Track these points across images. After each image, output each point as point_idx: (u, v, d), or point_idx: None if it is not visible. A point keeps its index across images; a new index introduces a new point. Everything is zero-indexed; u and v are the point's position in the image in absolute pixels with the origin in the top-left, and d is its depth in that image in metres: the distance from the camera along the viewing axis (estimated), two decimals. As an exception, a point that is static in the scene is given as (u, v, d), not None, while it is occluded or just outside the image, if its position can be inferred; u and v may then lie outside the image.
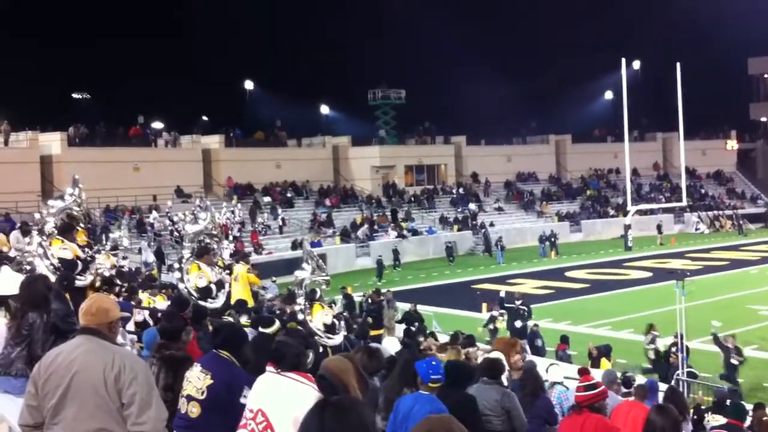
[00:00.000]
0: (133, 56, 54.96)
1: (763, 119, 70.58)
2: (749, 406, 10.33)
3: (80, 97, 55.40)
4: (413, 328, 19.34)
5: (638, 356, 20.02)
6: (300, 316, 11.03)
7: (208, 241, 11.46)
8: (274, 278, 27.25)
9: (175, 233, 35.52)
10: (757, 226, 56.92)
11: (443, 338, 16.34)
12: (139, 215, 38.63)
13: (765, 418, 9.31)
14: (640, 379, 11.96)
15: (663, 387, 12.00)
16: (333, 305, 11.84)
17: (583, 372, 6.31)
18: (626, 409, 8.09)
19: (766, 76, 70.41)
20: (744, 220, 56.46)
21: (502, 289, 24.83)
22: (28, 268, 9.10)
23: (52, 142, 39.55)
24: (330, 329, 10.56)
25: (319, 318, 10.60)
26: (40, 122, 40.72)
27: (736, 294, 29.73)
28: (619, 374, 11.88)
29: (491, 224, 48.37)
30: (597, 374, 11.43)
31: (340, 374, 4.73)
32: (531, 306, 22.36)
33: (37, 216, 10.69)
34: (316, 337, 10.26)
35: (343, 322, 11.24)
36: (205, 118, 50.85)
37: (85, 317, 4.60)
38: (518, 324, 21.16)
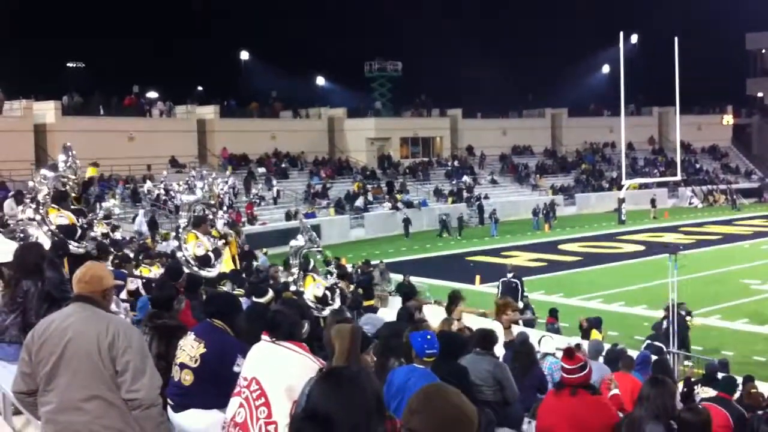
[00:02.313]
0: (128, 25, 54.62)
1: (760, 94, 70.55)
2: (739, 379, 10.42)
3: (75, 66, 55.09)
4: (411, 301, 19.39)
5: (630, 329, 20.16)
6: (293, 287, 11.06)
7: (206, 211, 11.47)
8: (265, 250, 27.25)
9: (169, 203, 35.52)
10: (751, 201, 57.14)
11: (436, 309, 16.35)
12: (134, 185, 38.53)
13: (753, 391, 9.39)
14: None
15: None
16: (330, 275, 11.86)
17: (570, 354, 6.25)
18: (616, 379, 8.13)
19: (763, 51, 70.30)
20: (738, 194, 56.63)
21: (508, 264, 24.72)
22: (22, 236, 9.10)
23: (47, 111, 39.35)
24: (321, 301, 10.57)
25: (310, 290, 10.62)
26: (35, 91, 40.53)
27: (729, 268, 29.87)
28: (607, 346, 11.99)
29: (486, 197, 48.40)
30: (585, 345, 11.54)
31: (333, 338, 4.77)
32: (523, 278, 22.40)
33: (30, 184, 10.67)
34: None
35: (335, 294, 11.25)
36: (200, 88, 50.65)
37: (78, 285, 4.60)
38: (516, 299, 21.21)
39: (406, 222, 42.51)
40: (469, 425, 2.75)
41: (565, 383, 6.16)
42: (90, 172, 10.63)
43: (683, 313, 17.86)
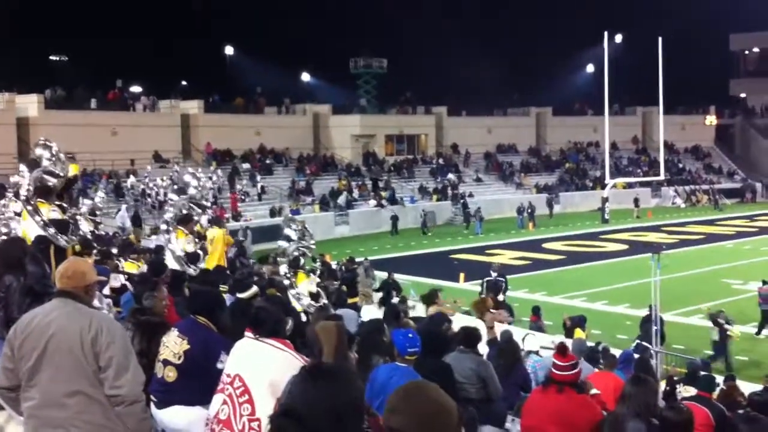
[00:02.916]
0: (111, 19, 54.29)
1: (743, 95, 71.00)
2: (720, 378, 10.50)
3: (58, 59, 54.76)
4: (394, 298, 19.42)
5: (612, 328, 20.25)
6: (286, 282, 11.05)
7: (195, 209, 11.44)
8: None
9: (152, 198, 35.37)
10: (733, 201, 57.54)
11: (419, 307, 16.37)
12: (117, 180, 38.36)
13: (730, 387, 9.50)
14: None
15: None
16: (313, 273, 11.87)
17: (563, 351, 6.25)
18: (596, 379, 8.18)
19: (747, 52, 70.74)
20: (720, 195, 57.00)
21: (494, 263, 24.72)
22: (4, 230, 9.03)
23: (29, 104, 39.11)
24: (315, 297, 10.62)
25: (304, 286, 10.65)
26: (17, 84, 40.23)
27: (711, 268, 30.05)
28: (591, 344, 12.04)
29: (470, 195, 48.47)
30: (568, 344, 11.57)
31: (320, 335, 4.77)
32: (507, 277, 22.46)
33: (13, 179, 10.60)
34: (305, 305, 10.32)
35: (322, 291, 11.29)
36: (184, 83, 50.45)
37: (61, 280, 4.58)
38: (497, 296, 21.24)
39: (394, 219, 42.55)
40: (450, 420, 2.75)
41: (554, 380, 6.14)
42: (73, 170, 10.54)
43: (722, 321, 17.92)
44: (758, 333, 20.28)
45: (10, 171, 24.68)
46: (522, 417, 6.46)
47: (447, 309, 14.25)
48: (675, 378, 10.47)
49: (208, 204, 11.94)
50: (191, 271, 10.05)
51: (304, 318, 9.75)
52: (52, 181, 9.08)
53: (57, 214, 8.85)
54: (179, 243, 10.23)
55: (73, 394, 4.31)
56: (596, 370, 9.57)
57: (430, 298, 12.45)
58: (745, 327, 19.95)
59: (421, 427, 2.69)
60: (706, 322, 19.99)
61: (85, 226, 10.85)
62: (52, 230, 8.49)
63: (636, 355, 11.42)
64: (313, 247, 11.59)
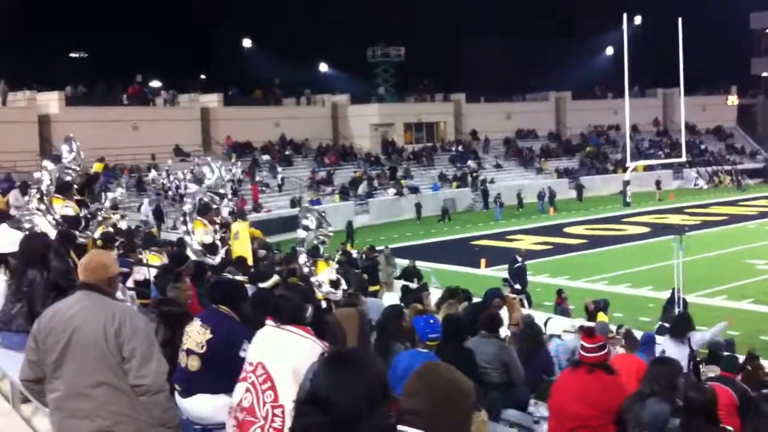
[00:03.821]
0: (130, 15, 54.52)
1: (764, 74, 70.11)
2: (742, 358, 10.44)
3: (77, 56, 55.09)
4: (412, 285, 19.41)
5: (635, 310, 20.18)
6: (305, 269, 11.09)
7: (211, 199, 11.49)
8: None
9: (172, 192, 35.57)
10: (756, 182, 56.95)
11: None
12: (138, 174, 38.61)
13: (754, 368, 9.45)
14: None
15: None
16: (331, 260, 11.91)
17: (591, 333, 6.29)
18: (618, 361, 8.17)
19: (767, 30, 69.82)
20: (743, 175, 56.46)
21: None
22: (28, 226, 9.13)
23: (50, 101, 39.43)
24: (335, 285, 10.66)
25: (325, 274, 10.69)
26: (38, 82, 40.57)
27: (734, 249, 29.84)
28: (613, 327, 12.01)
29: (491, 181, 48.36)
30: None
31: (342, 322, 4.79)
32: (528, 262, 22.42)
33: (36, 175, 10.71)
34: (325, 292, 10.37)
35: (342, 279, 11.33)
36: (203, 76, 50.60)
37: (84, 273, 4.62)
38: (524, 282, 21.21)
39: (418, 206, 42.64)
40: (465, 399, 2.78)
41: (583, 362, 6.20)
42: (96, 168, 10.65)
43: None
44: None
45: (33, 168, 24.88)
46: (550, 396, 6.50)
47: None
48: (698, 359, 10.44)
49: (226, 193, 11.98)
50: (210, 261, 10.11)
51: (324, 306, 9.80)
52: (69, 176, 9.17)
53: (70, 210, 8.94)
54: (197, 234, 10.29)
55: (98, 385, 4.35)
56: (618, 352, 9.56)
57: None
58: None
59: (437, 407, 2.72)
60: (729, 302, 19.91)
61: (111, 221, 10.97)
62: (61, 229, 8.56)
63: (657, 337, 11.38)
64: (332, 235, 11.64)
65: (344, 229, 34.59)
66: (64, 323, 4.42)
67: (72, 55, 54.24)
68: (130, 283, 9.04)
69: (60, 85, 40.66)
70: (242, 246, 14.58)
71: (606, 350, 6.17)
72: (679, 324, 10.16)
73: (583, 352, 6.21)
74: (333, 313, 5.61)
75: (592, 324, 12.39)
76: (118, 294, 5.43)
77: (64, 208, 8.97)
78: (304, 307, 5.01)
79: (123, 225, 14.69)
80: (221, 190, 12.02)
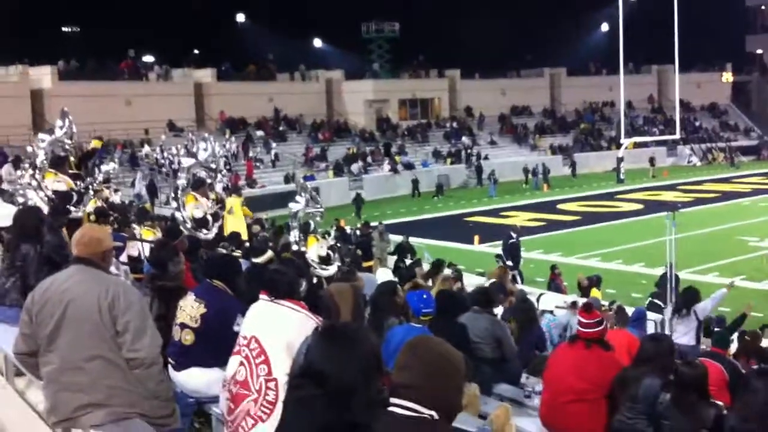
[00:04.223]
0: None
1: (759, 51, 70.05)
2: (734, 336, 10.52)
3: (70, 30, 54.70)
4: (405, 260, 19.48)
5: (627, 286, 20.27)
6: (294, 248, 11.10)
7: (204, 174, 11.47)
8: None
9: (166, 167, 35.45)
10: (749, 159, 57.10)
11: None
12: (131, 149, 38.48)
13: (753, 337, 9.60)
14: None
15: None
16: (327, 236, 11.92)
17: (588, 308, 6.34)
18: (610, 336, 8.22)
19: (763, 7, 69.67)
20: (736, 152, 56.58)
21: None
22: (21, 200, 9.11)
23: (43, 76, 39.23)
24: (325, 261, 10.66)
25: (314, 250, 10.68)
26: (30, 56, 40.33)
27: (727, 226, 29.93)
28: (605, 303, 12.08)
29: (486, 157, 48.36)
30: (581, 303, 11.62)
31: (335, 296, 4.81)
32: (522, 238, 22.48)
33: (29, 149, 10.67)
34: (311, 269, 10.36)
35: (336, 254, 11.33)
36: (196, 51, 50.32)
37: (77, 247, 4.62)
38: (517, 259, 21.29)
39: (415, 183, 42.80)
40: (456, 372, 2.81)
41: (580, 337, 6.27)
42: (94, 144, 10.62)
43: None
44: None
45: (25, 142, 24.81)
46: (545, 369, 6.56)
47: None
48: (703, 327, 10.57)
49: (218, 167, 11.93)
50: (202, 235, 10.10)
51: (315, 281, 9.82)
52: (63, 151, 9.15)
53: (63, 185, 8.91)
54: (187, 209, 10.28)
55: (92, 358, 4.36)
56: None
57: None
58: (762, 284, 19.90)
59: (429, 380, 2.75)
60: (721, 279, 19.99)
61: (102, 195, 10.94)
62: (52, 204, 8.54)
63: (650, 314, 11.45)
64: (322, 210, 11.63)
65: (339, 205, 34.62)
66: (58, 297, 4.42)
67: (65, 29, 53.80)
68: (123, 257, 9.04)
69: (53, 60, 40.43)
70: (236, 221, 14.57)
71: (603, 326, 6.23)
72: (684, 301, 10.24)
73: (580, 328, 6.27)
74: (327, 288, 5.64)
75: (585, 300, 12.47)
76: (112, 268, 5.44)
77: (56, 183, 8.94)
78: (298, 282, 5.02)
79: (116, 199, 14.67)
80: (213, 165, 11.97)
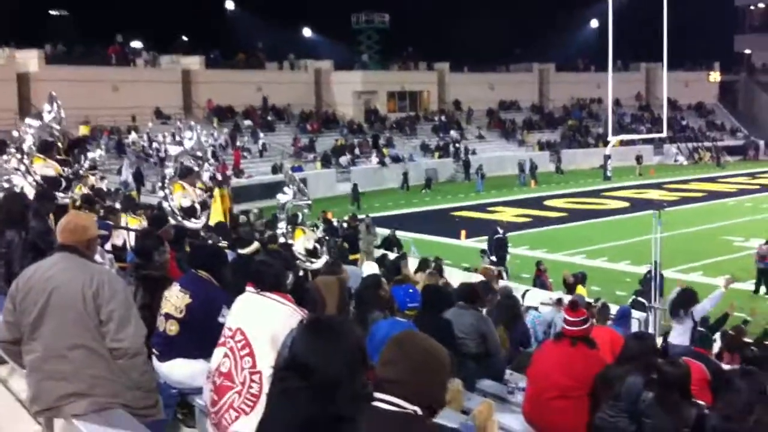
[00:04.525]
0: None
1: (747, 52, 70.32)
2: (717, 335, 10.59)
3: (58, 14, 54.27)
4: (391, 254, 19.48)
5: (612, 284, 20.35)
6: (282, 240, 11.08)
7: (191, 162, 11.41)
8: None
9: (154, 156, 35.31)
10: (736, 159, 57.39)
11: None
12: (118, 136, 38.27)
13: (737, 333, 9.69)
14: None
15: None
16: (315, 228, 11.90)
17: (575, 306, 6.38)
18: (594, 333, 8.25)
19: (752, 7, 69.91)
20: (723, 152, 56.84)
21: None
22: (6, 186, 9.04)
23: (30, 59, 38.93)
24: (311, 254, 10.63)
25: (300, 243, 10.66)
26: (17, 39, 40.01)
27: (712, 225, 30.07)
28: (590, 300, 12.12)
29: (473, 152, 48.39)
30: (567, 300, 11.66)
31: (322, 289, 4.81)
32: (509, 234, 22.51)
33: (15, 134, 10.59)
34: (298, 261, 10.34)
35: (324, 247, 11.31)
36: (184, 38, 50.03)
37: (62, 234, 4.59)
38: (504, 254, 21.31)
39: (405, 176, 42.95)
40: (441, 367, 2.81)
41: (565, 335, 6.30)
42: (83, 130, 10.54)
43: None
44: (756, 291, 20.38)
45: (11, 126, 24.62)
46: (530, 365, 6.59)
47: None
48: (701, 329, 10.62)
49: (205, 156, 11.87)
50: (190, 224, 10.06)
51: (301, 273, 9.79)
52: (51, 136, 9.07)
53: (51, 171, 8.84)
54: (175, 198, 10.23)
55: (76, 347, 4.34)
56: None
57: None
58: (746, 284, 20.01)
59: (414, 375, 2.75)
60: (705, 278, 20.11)
61: (89, 182, 10.87)
62: (40, 189, 8.47)
63: (635, 312, 11.51)
64: (309, 202, 11.61)
65: (326, 197, 34.60)
66: (43, 284, 4.40)
67: (53, 12, 53.37)
68: (108, 246, 8.98)
69: (40, 43, 40.13)
70: (217, 210, 14.47)
71: (588, 324, 6.26)
72: (681, 302, 10.28)
73: (566, 326, 6.30)
74: (313, 281, 5.63)
75: (571, 296, 12.51)
76: (97, 257, 5.40)
77: (45, 168, 8.86)
78: (285, 274, 5.01)
79: (102, 187, 14.56)
80: (199, 154, 11.91)
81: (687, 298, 10.29)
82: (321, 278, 5.92)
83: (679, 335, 10.01)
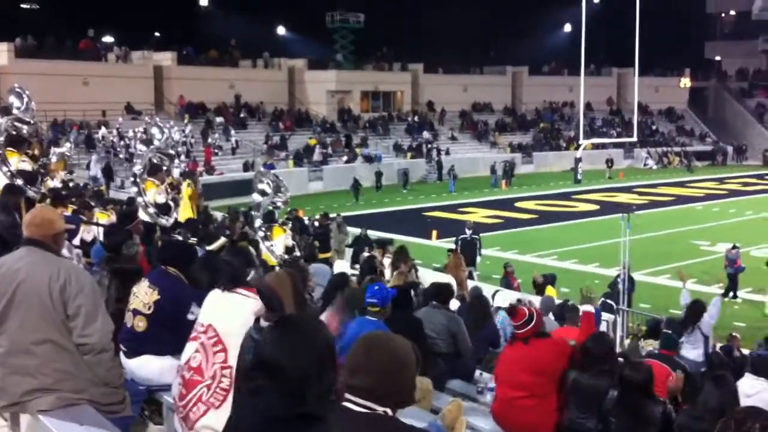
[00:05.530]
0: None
1: (718, 58, 71.15)
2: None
3: (29, 7, 53.67)
4: (365, 253, 19.44)
5: (582, 285, 20.44)
6: (260, 235, 11.03)
7: (161, 159, 11.35)
8: None
9: (122, 151, 35.07)
10: (704, 164, 58.04)
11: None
12: (88, 130, 37.91)
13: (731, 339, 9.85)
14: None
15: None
16: (285, 226, 11.86)
17: (513, 312, 6.51)
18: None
19: (723, 15, 70.75)
20: (692, 157, 57.45)
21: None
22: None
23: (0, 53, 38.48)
24: (290, 251, 10.64)
25: (281, 240, 10.65)
26: (-14, 32, 39.47)
27: (681, 229, 30.40)
28: (559, 301, 12.19)
29: (446, 153, 48.53)
30: (537, 301, 11.73)
31: (276, 288, 4.79)
32: (480, 235, 22.58)
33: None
34: (278, 257, 10.34)
35: (297, 245, 11.31)
36: (157, 34, 49.65)
37: (29, 228, 4.54)
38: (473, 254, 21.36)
39: (378, 175, 43.02)
40: (408, 368, 2.78)
41: (517, 337, 6.40)
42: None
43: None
44: (724, 295, 20.59)
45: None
46: (495, 369, 6.66)
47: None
48: (638, 335, 10.72)
49: (175, 153, 11.83)
50: (164, 222, 10.00)
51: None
52: (23, 130, 8.97)
53: (27, 165, 8.75)
54: (149, 194, 10.16)
55: (42, 342, 4.30)
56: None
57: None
58: (712, 288, 20.23)
59: (382, 381, 2.72)
60: (673, 282, 20.28)
61: (59, 177, 10.76)
62: (20, 181, 8.39)
63: (603, 314, 11.59)
64: (288, 199, 11.58)
65: (298, 195, 34.44)
66: (9, 278, 4.35)
67: (24, 6, 52.77)
68: (76, 241, 8.90)
69: (10, 37, 39.60)
70: (186, 205, 14.37)
71: (534, 321, 6.36)
72: (691, 316, 10.39)
73: (515, 330, 6.48)
74: (263, 279, 5.60)
75: (538, 298, 12.59)
76: (64, 251, 5.35)
77: (21, 162, 8.76)
78: (244, 272, 4.99)
79: (64, 178, 14.41)
80: (170, 151, 11.85)
81: (696, 310, 10.42)
82: (272, 274, 5.91)
83: (692, 348, 10.17)
